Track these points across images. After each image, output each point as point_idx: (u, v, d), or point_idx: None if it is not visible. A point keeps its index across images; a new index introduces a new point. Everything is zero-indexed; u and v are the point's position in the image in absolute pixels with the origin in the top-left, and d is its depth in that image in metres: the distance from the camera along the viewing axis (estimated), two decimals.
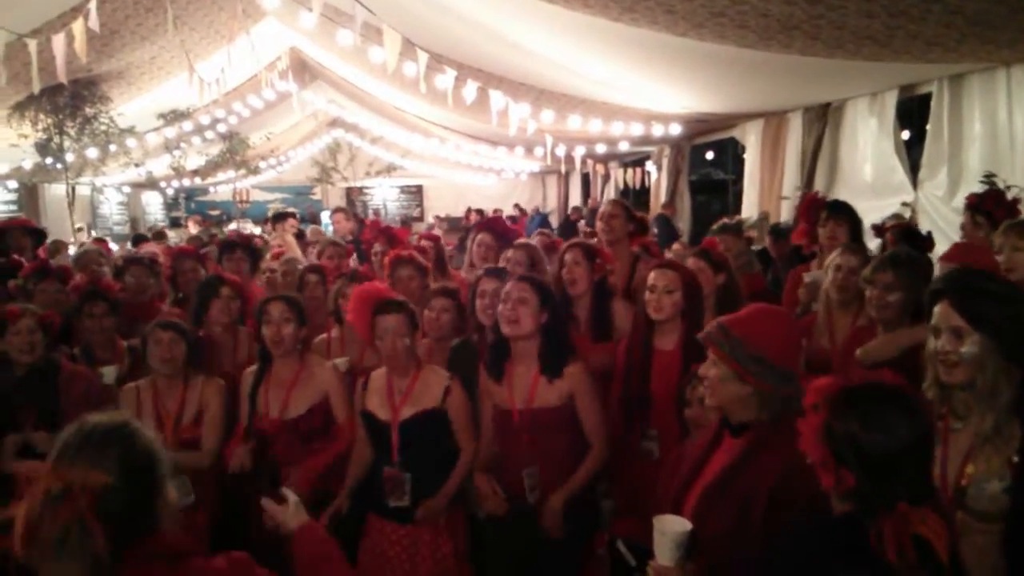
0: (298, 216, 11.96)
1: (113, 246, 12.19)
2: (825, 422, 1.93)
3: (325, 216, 19.13)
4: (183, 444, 3.93)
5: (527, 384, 3.64)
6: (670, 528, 2.24)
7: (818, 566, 1.90)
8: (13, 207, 16.11)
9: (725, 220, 6.78)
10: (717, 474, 2.47)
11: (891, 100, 7.96)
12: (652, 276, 3.71)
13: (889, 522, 1.79)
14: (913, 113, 9.93)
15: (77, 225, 12.87)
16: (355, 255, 8.19)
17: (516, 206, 23.04)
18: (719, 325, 2.53)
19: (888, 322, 3.41)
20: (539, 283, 3.74)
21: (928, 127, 7.54)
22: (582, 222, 16.62)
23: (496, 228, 5.76)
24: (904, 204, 7.53)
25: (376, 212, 25.11)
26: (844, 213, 4.81)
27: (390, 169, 23.58)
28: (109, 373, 4.40)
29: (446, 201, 25.70)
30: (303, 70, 15.05)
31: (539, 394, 3.61)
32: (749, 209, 10.80)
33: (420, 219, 25.27)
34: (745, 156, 11.47)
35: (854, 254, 4.00)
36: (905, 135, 8.50)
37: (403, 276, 4.95)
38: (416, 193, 27.30)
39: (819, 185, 8.92)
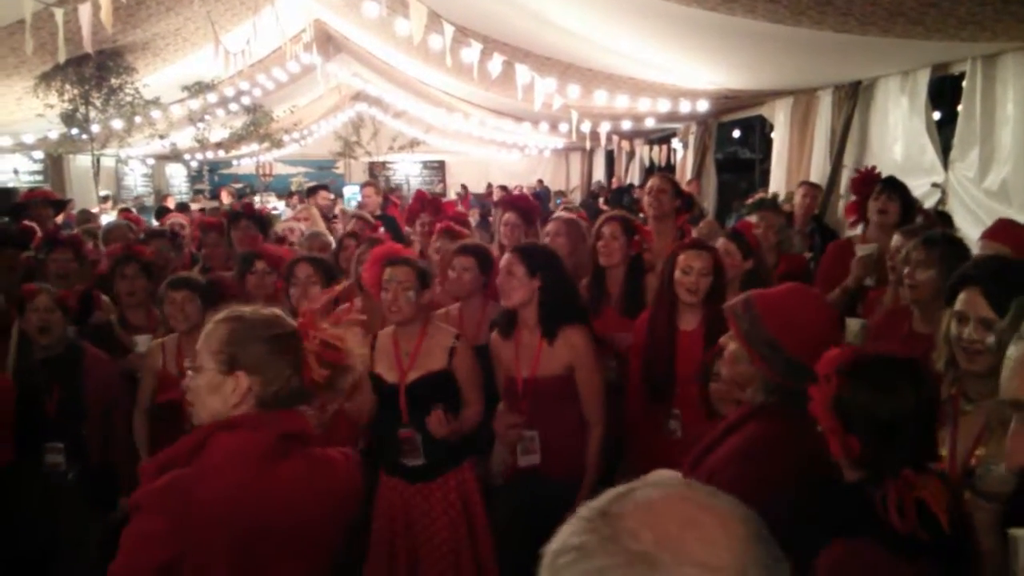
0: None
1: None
2: (836, 390, 1.95)
3: (347, 191, 19.14)
4: None
5: (532, 352, 3.70)
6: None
7: (820, 533, 1.90)
8: (39, 177, 16.21)
9: (762, 195, 6.67)
10: (700, 447, 2.49)
11: (923, 79, 7.81)
12: (687, 257, 3.71)
13: (893, 487, 1.84)
14: (945, 93, 9.76)
15: (102, 194, 12.90)
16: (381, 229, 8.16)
17: (539, 182, 22.98)
18: (745, 298, 2.49)
19: (921, 303, 3.36)
20: (527, 251, 3.76)
21: (960, 107, 7.42)
22: (601, 199, 16.58)
23: (522, 207, 5.71)
24: (934, 185, 7.42)
25: (399, 187, 25.11)
26: (897, 188, 4.74)
27: (413, 144, 23.54)
28: (143, 343, 4.42)
29: (469, 177, 25.65)
30: (327, 42, 15.01)
31: (543, 362, 3.66)
32: (777, 188, 10.67)
33: (442, 195, 25.25)
34: (773, 135, 11.33)
35: (904, 235, 3.91)
36: (937, 115, 8.36)
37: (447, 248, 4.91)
38: (439, 168, 27.27)
39: (848, 164, 8.81)
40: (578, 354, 3.65)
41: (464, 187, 24.39)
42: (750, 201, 5.82)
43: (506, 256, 3.76)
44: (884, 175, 5.13)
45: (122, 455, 4.21)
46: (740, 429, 2.41)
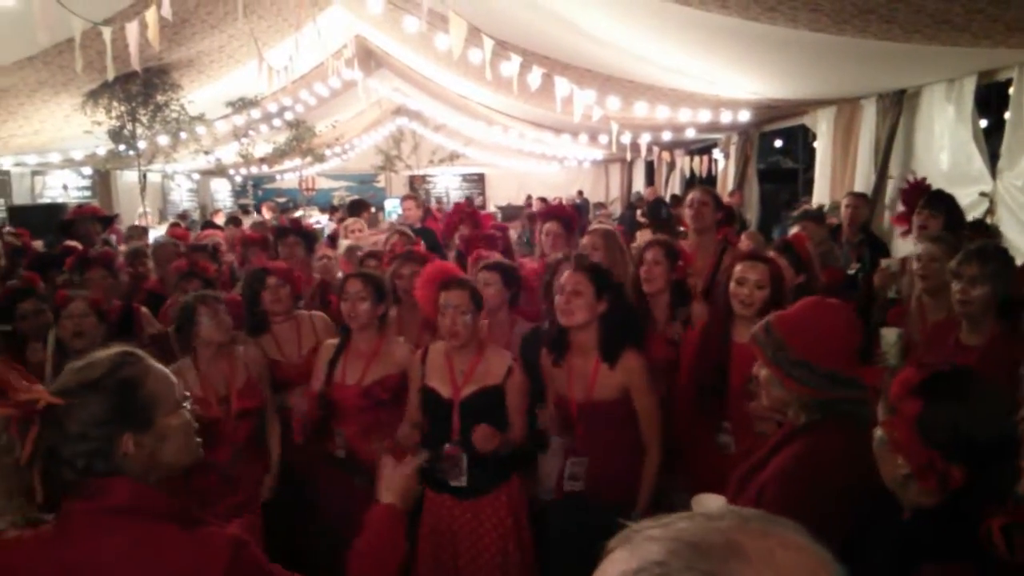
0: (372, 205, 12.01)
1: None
2: (920, 415, 1.78)
3: (388, 204, 19.29)
4: (242, 416, 3.99)
5: (587, 376, 3.61)
6: (706, 506, 2.23)
7: (904, 562, 1.78)
8: (87, 193, 16.54)
9: (806, 206, 6.58)
10: (745, 467, 2.44)
11: (969, 86, 7.69)
12: (741, 269, 3.63)
13: (999, 516, 1.66)
14: (992, 100, 9.59)
15: (139, 211, 13.11)
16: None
17: (579, 193, 22.96)
18: (765, 324, 2.45)
19: (972, 317, 3.29)
20: (596, 272, 3.67)
21: (1008, 114, 7.29)
22: (639, 211, 16.51)
23: (562, 216, 5.73)
24: (982, 194, 7.29)
25: (439, 200, 25.21)
26: (942, 203, 4.69)
27: (453, 157, 23.65)
28: None
29: (508, 189, 25.70)
30: (368, 58, 15.15)
31: (599, 386, 3.57)
32: (820, 198, 10.56)
33: (482, 207, 25.32)
34: (816, 144, 11.23)
35: (935, 243, 3.89)
36: (983, 123, 8.21)
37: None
38: (478, 181, 27.36)
39: (893, 174, 8.71)
40: (634, 378, 3.55)
41: (469, 200, 24.38)
42: (796, 213, 5.73)
43: (573, 276, 3.60)
44: (933, 186, 5.08)
45: None
46: (785, 448, 2.36)
